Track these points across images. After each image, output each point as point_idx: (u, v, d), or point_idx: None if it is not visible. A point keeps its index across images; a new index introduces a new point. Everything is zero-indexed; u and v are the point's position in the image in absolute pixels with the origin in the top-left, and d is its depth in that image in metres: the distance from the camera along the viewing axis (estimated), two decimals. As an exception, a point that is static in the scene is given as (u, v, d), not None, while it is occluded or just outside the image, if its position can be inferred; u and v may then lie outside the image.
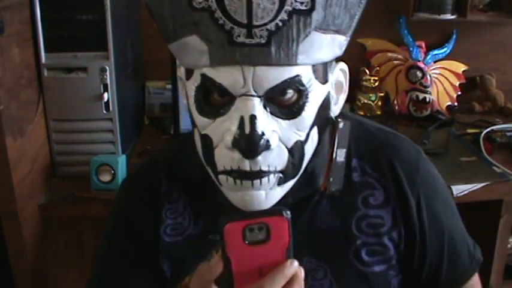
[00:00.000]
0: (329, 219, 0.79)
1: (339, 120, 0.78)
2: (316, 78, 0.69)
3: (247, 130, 0.65)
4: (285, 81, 0.66)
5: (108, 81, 1.43)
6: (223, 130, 0.67)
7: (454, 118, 1.95)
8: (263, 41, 0.63)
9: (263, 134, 0.66)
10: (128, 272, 0.84)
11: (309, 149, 0.72)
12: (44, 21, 1.39)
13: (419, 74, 1.95)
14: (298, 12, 0.63)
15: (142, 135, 1.83)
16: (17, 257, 1.35)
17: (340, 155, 0.78)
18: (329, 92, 0.73)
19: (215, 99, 0.69)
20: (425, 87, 1.95)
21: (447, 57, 2.03)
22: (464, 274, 0.85)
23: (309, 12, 0.63)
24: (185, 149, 0.87)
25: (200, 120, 0.70)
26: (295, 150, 0.70)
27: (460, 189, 1.49)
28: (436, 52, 2.01)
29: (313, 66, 0.68)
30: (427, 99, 1.94)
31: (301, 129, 0.69)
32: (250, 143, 0.65)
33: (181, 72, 0.75)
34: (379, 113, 2.00)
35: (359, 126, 0.83)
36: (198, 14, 0.64)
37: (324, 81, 0.71)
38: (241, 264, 0.61)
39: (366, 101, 1.98)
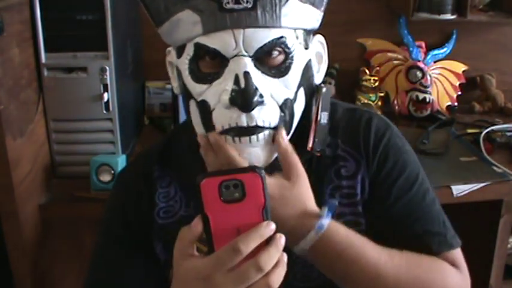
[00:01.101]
0: (312, 189, 0.81)
1: (322, 85, 0.85)
2: (299, 43, 0.78)
3: (242, 85, 0.72)
4: (272, 41, 0.74)
5: (108, 81, 1.44)
6: (219, 91, 0.74)
7: (454, 118, 1.95)
8: (249, 6, 0.72)
9: (257, 89, 0.72)
10: (124, 258, 0.89)
11: (298, 109, 0.79)
12: (44, 21, 1.39)
13: (419, 74, 1.95)
14: None
15: (142, 135, 1.83)
16: (17, 256, 1.35)
17: (324, 117, 0.84)
18: (310, 60, 0.82)
19: (208, 66, 0.75)
20: (425, 87, 1.95)
21: (447, 57, 2.03)
22: (432, 239, 0.84)
23: None
24: (175, 135, 0.96)
25: (196, 87, 0.76)
26: (286, 107, 0.77)
27: (460, 189, 1.49)
28: (436, 52, 2.01)
29: (295, 31, 0.77)
30: (427, 99, 1.94)
31: (289, 87, 0.77)
32: (246, 96, 0.71)
33: (171, 56, 0.83)
34: (379, 113, 1.99)
35: (333, 106, 0.89)
36: None
37: (306, 46, 0.80)
38: (219, 222, 0.61)
39: (366, 101, 1.98)
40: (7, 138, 1.23)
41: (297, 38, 0.78)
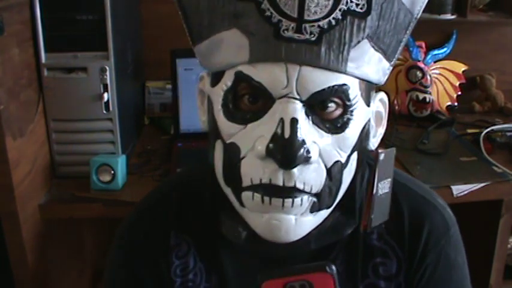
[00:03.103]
0: (342, 281, 0.71)
1: (380, 151, 0.71)
2: (362, 96, 0.63)
3: (286, 134, 0.57)
4: (332, 87, 0.59)
5: (108, 81, 1.43)
6: (255, 137, 0.60)
7: (454, 118, 1.95)
8: (313, 38, 0.57)
9: (304, 142, 0.58)
10: None
11: (347, 176, 0.65)
12: (44, 21, 1.38)
13: (419, 74, 1.95)
14: (352, 14, 0.58)
15: (142, 135, 1.82)
16: (17, 256, 1.34)
17: (384, 186, 0.71)
18: (370, 119, 0.68)
19: (246, 105, 0.62)
20: (425, 87, 1.95)
21: (447, 57, 2.03)
22: None
23: (364, 15, 0.59)
24: (192, 184, 0.78)
25: (227, 127, 0.63)
26: (334, 172, 0.62)
27: (460, 189, 1.49)
28: (436, 52, 2.00)
29: (360, 82, 0.63)
30: (427, 99, 1.94)
31: (343, 148, 0.63)
32: (289, 149, 0.57)
33: (204, 83, 0.69)
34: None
35: None
36: (243, 4, 0.58)
37: (368, 103, 0.66)
38: None
39: (366, 101, 1.98)
40: (7, 138, 1.23)
41: (361, 89, 0.63)
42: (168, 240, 0.75)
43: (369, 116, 0.67)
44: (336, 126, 0.62)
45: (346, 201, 0.68)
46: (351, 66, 0.60)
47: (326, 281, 0.54)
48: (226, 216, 0.69)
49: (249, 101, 0.62)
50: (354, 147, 0.64)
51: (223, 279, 0.75)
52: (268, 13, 0.57)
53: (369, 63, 0.62)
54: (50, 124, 1.46)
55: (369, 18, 0.59)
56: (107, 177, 1.43)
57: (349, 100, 0.61)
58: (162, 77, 1.86)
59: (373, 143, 0.71)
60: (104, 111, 1.46)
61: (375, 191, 0.70)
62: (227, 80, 0.62)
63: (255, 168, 0.60)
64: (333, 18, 0.58)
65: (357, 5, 0.59)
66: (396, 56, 0.66)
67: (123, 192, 1.44)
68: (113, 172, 1.43)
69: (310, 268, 0.56)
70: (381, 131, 0.72)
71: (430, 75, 1.97)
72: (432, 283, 0.73)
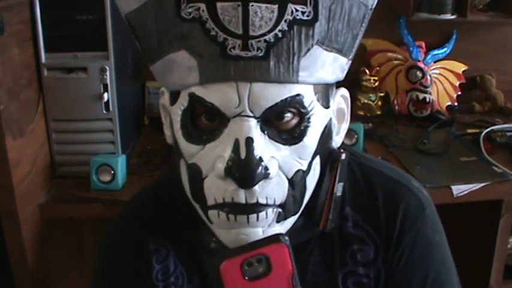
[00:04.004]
0: (319, 271, 0.73)
1: (341, 151, 0.71)
2: (318, 100, 0.62)
3: (242, 155, 0.57)
4: (285, 100, 0.59)
5: (108, 81, 1.43)
6: (214, 157, 0.60)
7: (454, 118, 1.95)
8: (260, 54, 0.56)
9: (261, 159, 0.58)
10: None
11: (311, 182, 0.65)
12: (44, 21, 1.38)
13: (419, 74, 1.95)
14: (299, 23, 0.57)
15: (142, 135, 1.83)
16: (17, 256, 1.34)
17: (339, 189, 0.71)
18: (331, 119, 0.67)
19: (204, 123, 0.62)
20: (425, 87, 1.95)
21: (447, 57, 2.03)
22: None
23: (312, 23, 0.57)
24: (166, 190, 0.79)
25: (187, 147, 0.63)
26: (297, 181, 0.62)
27: (460, 189, 1.49)
28: (436, 52, 2.00)
29: (315, 86, 0.62)
30: (427, 99, 1.94)
31: (303, 157, 0.62)
32: (246, 169, 0.57)
33: (164, 99, 0.69)
34: (379, 113, 2.00)
35: (358, 168, 0.76)
36: (188, 26, 0.57)
37: (326, 105, 0.65)
38: None
39: (366, 101, 1.98)
40: (7, 138, 1.23)
41: (316, 93, 0.62)
42: (146, 247, 0.76)
43: (329, 116, 0.67)
44: (294, 136, 0.61)
45: (310, 201, 0.68)
46: (303, 75, 0.59)
47: (281, 251, 0.55)
48: (199, 222, 0.69)
49: (206, 119, 0.61)
50: (315, 153, 0.64)
51: (205, 280, 0.75)
52: (213, 32, 0.56)
53: (323, 66, 0.61)
54: (50, 124, 1.46)
55: (317, 24, 0.58)
56: (107, 177, 1.43)
57: (304, 108, 0.61)
58: (162, 77, 1.86)
59: (337, 140, 0.70)
60: (104, 111, 1.46)
61: (335, 190, 0.70)
62: (183, 100, 0.62)
63: (217, 188, 0.61)
64: (279, 30, 0.56)
65: (303, 13, 0.57)
66: (354, 50, 0.65)
67: (123, 192, 1.44)
68: (113, 172, 1.43)
69: (264, 241, 0.58)
70: (345, 126, 0.71)
71: (430, 75, 1.97)
72: (411, 264, 0.73)
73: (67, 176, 1.49)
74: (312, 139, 0.63)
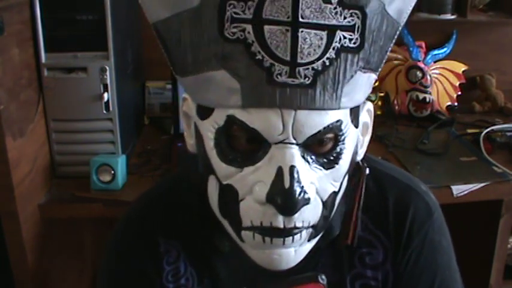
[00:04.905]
0: (328, 273, 0.71)
1: (365, 165, 0.71)
2: (352, 122, 0.62)
3: (286, 184, 0.56)
4: (327, 127, 0.58)
5: (108, 81, 1.43)
6: (253, 181, 0.59)
7: (454, 118, 1.95)
8: (307, 82, 0.55)
9: (303, 188, 0.57)
10: None
11: (340, 199, 0.66)
12: (44, 21, 1.38)
13: (419, 74, 1.95)
14: (346, 50, 0.56)
15: (142, 135, 1.83)
16: (17, 256, 1.34)
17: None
18: (358, 135, 0.66)
19: (242, 145, 0.60)
20: (425, 87, 1.95)
21: (447, 57, 2.03)
22: None
23: (358, 50, 0.57)
24: (179, 194, 0.77)
25: (223, 168, 0.61)
26: (330, 202, 0.62)
27: (460, 189, 1.49)
28: (436, 52, 2.00)
29: (351, 109, 0.61)
30: (427, 99, 1.94)
31: (337, 179, 0.62)
32: (289, 198, 0.56)
33: (188, 107, 0.67)
34: (379, 113, 1.99)
35: (370, 173, 0.75)
36: (230, 46, 0.55)
37: (356, 124, 0.64)
38: None
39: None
40: (7, 138, 1.23)
41: (351, 116, 0.62)
42: (157, 248, 0.75)
43: (358, 134, 0.66)
44: (330, 160, 0.61)
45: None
46: (344, 101, 0.58)
47: None
48: (213, 226, 0.69)
49: (245, 141, 0.60)
50: (346, 172, 0.64)
51: (215, 283, 0.75)
52: (259, 56, 0.55)
53: (361, 89, 0.61)
54: (50, 124, 1.46)
55: (362, 51, 0.57)
56: (107, 177, 1.43)
57: (341, 131, 0.60)
58: (162, 77, 1.86)
59: (360, 154, 0.70)
60: (104, 111, 1.46)
61: (361, 204, 0.70)
62: (218, 119, 0.60)
63: (255, 212, 0.60)
64: (327, 58, 0.55)
65: (350, 40, 0.56)
66: (382, 64, 0.64)
67: (123, 192, 1.44)
68: (113, 172, 1.43)
69: (302, 280, 0.58)
70: (367, 138, 0.71)
71: (430, 75, 1.97)
72: (418, 268, 0.73)
73: (67, 176, 1.50)
74: (346, 160, 0.62)
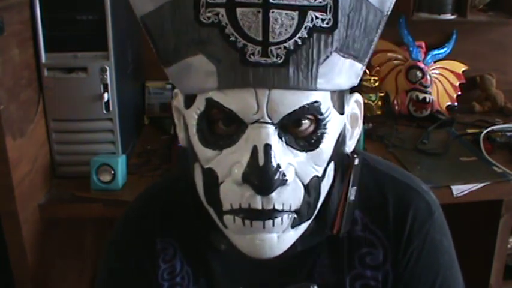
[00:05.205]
0: (327, 274, 0.73)
1: (355, 156, 0.72)
2: (334, 106, 0.63)
3: (261, 162, 0.58)
4: (303, 107, 0.59)
5: (108, 81, 1.43)
6: (231, 163, 0.60)
7: (454, 118, 1.95)
8: (280, 61, 0.56)
9: (279, 166, 0.58)
10: None
11: (325, 187, 0.66)
12: (44, 21, 1.38)
13: (419, 74, 1.95)
14: (319, 30, 0.57)
15: (142, 135, 1.83)
16: (17, 256, 1.35)
17: (352, 193, 0.72)
18: (345, 125, 0.68)
19: (221, 129, 0.62)
20: (425, 87, 1.95)
21: (447, 57, 2.03)
22: None
23: (331, 30, 0.58)
24: (176, 190, 0.79)
25: (203, 152, 0.63)
26: (312, 188, 0.63)
27: (460, 189, 1.49)
28: (436, 52, 2.00)
29: (331, 93, 0.62)
30: (427, 99, 1.94)
31: (319, 163, 0.63)
32: (264, 176, 0.58)
33: (178, 101, 0.69)
34: (379, 113, 2.00)
35: (369, 172, 0.76)
36: (206, 30, 0.57)
37: (341, 111, 0.65)
38: None
39: (366, 101, 1.98)
40: (7, 138, 1.23)
41: (332, 99, 0.63)
42: (153, 246, 0.76)
43: (344, 122, 0.67)
44: (310, 143, 0.62)
45: (321, 205, 0.68)
46: (320, 82, 0.59)
47: None
48: (210, 224, 0.69)
49: (223, 124, 0.61)
50: (330, 158, 0.64)
51: (211, 282, 0.75)
52: (232, 38, 0.56)
53: (340, 73, 0.61)
54: (50, 124, 1.46)
55: (336, 31, 0.58)
56: (107, 177, 1.43)
57: (321, 114, 0.61)
58: (162, 77, 1.84)
59: (349, 145, 0.71)
60: (104, 111, 1.46)
61: (348, 195, 0.71)
62: (199, 105, 0.62)
63: (233, 194, 0.61)
64: (299, 37, 0.57)
65: (323, 20, 0.57)
66: (369, 55, 0.65)
67: (123, 192, 1.44)
68: (113, 172, 1.43)
69: None
70: (357, 131, 0.72)
71: (430, 75, 1.97)
72: (419, 268, 0.73)
73: (67, 176, 1.50)
74: (327, 145, 0.63)
